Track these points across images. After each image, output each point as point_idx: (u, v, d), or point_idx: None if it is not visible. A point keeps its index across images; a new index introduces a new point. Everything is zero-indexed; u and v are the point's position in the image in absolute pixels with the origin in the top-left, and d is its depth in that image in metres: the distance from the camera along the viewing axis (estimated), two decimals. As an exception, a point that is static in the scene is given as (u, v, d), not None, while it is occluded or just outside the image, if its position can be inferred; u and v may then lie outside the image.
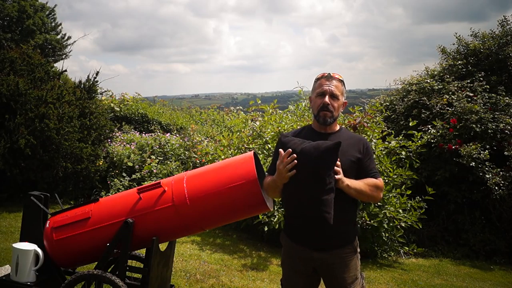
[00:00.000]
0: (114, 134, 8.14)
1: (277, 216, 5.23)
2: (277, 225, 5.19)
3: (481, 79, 7.78)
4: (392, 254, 5.82)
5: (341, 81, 2.39)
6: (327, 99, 2.32)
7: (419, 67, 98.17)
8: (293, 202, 2.29)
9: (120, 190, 6.64)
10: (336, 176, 2.15)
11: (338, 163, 2.18)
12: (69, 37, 21.04)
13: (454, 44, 9.20)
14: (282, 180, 2.20)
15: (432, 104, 7.45)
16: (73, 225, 2.78)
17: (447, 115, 7.03)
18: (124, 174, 7.18)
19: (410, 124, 6.66)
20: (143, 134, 8.61)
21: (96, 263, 2.79)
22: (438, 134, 6.80)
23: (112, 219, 2.73)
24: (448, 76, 8.15)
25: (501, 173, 6.24)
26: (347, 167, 2.23)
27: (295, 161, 2.15)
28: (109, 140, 7.76)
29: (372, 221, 5.21)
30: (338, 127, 2.45)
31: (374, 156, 5.69)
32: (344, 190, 2.19)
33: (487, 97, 7.24)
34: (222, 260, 5.01)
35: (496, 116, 6.80)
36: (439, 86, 7.88)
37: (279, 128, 5.98)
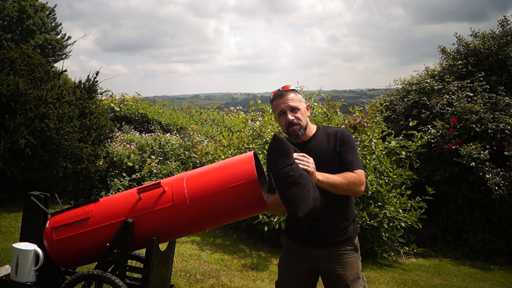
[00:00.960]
0: (114, 134, 8.14)
1: (277, 216, 5.23)
2: (277, 225, 5.19)
3: (481, 79, 7.78)
4: (392, 254, 5.83)
5: (294, 90, 2.39)
6: (289, 116, 2.33)
7: (419, 67, 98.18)
8: None
9: (120, 190, 6.64)
10: (301, 166, 2.09)
11: (307, 159, 2.13)
12: (69, 37, 21.11)
13: (454, 44, 9.23)
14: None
15: (432, 104, 7.46)
16: (73, 225, 2.77)
17: (447, 115, 7.03)
18: (124, 174, 7.17)
19: (410, 124, 6.66)
20: (143, 134, 8.61)
21: (96, 263, 2.79)
22: (438, 134, 6.80)
23: (112, 219, 2.72)
24: (448, 76, 8.15)
25: (501, 173, 6.24)
26: (323, 161, 2.20)
27: None
28: (109, 140, 7.76)
29: (372, 221, 5.20)
30: (314, 130, 2.42)
31: (374, 156, 5.68)
32: (318, 185, 2.14)
33: (487, 97, 7.25)
34: (222, 260, 5.01)
35: (496, 116, 6.80)
36: (439, 86, 7.89)
37: (279, 128, 5.98)
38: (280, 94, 2.37)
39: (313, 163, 2.15)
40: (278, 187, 2.13)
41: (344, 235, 2.32)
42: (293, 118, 2.32)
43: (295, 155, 2.13)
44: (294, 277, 2.42)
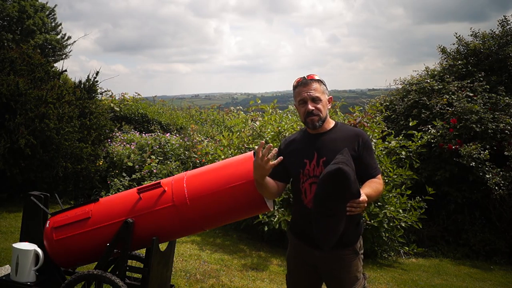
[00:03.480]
0: (114, 134, 8.14)
1: (277, 216, 5.23)
2: (277, 225, 5.19)
3: (481, 79, 7.78)
4: (392, 254, 5.83)
5: (319, 81, 2.34)
6: (310, 106, 2.29)
7: (419, 67, 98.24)
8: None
9: (120, 190, 6.64)
10: (361, 199, 2.05)
11: (362, 205, 2.06)
12: (69, 37, 21.12)
13: (454, 44, 9.23)
14: (261, 172, 2.19)
15: (432, 104, 7.45)
16: (73, 225, 2.78)
17: (447, 115, 7.03)
18: (124, 174, 7.17)
19: (410, 124, 6.66)
20: (143, 134, 8.60)
21: (96, 263, 2.79)
22: (438, 134, 6.80)
23: (112, 219, 2.73)
24: (448, 76, 8.16)
25: (501, 173, 6.24)
26: (335, 157, 2.18)
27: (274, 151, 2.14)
28: (109, 140, 7.76)
29: (372, 221, 5.21)
30: (332, 124, 2.39)
31: (374, 156, 5.69)
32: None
33: (487, 97, 7.25)
34: (222, 260, 5.01)
35: (496, 116, 6.80)
36: (439, 86, 7.88)
37: (279, 128, 5.98)
38: (305, 83, 2.33)
39: (364, 205, 2.09)
40: (316, 212, 2.13)
41: (346, 239, 2.30)
42: (313, 108, 2.29)
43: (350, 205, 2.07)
44: (301, 269, 2.44)
